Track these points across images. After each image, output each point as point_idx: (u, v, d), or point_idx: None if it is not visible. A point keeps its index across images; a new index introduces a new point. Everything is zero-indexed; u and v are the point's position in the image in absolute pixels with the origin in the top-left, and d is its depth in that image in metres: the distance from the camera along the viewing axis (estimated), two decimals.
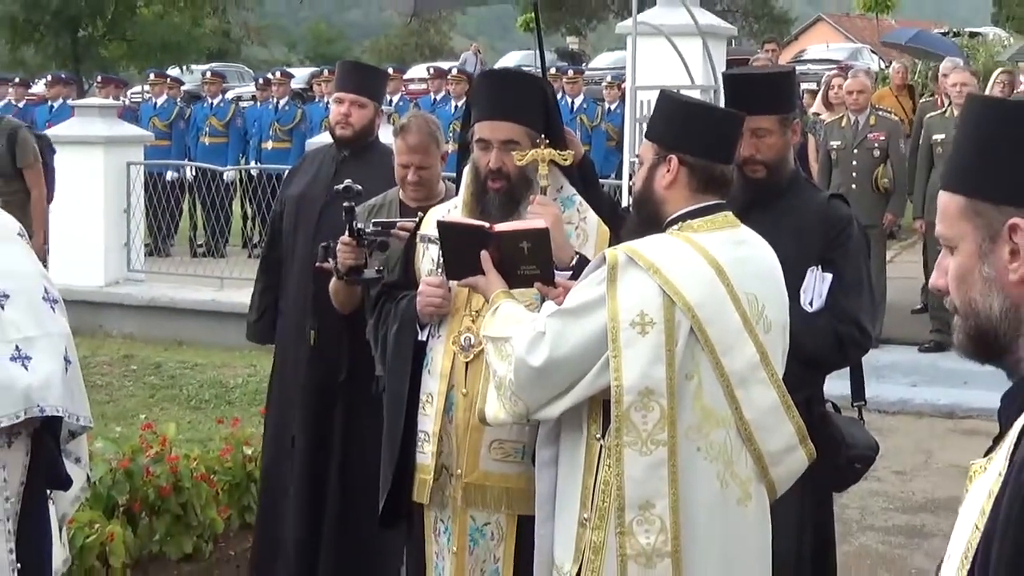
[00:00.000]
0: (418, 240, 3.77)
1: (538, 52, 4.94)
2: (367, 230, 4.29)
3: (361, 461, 4.62)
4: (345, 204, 4.31)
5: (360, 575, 4.92)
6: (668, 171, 3.17)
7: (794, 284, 3.55)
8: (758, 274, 3.17)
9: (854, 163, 9.81)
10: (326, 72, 16.14)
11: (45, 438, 3.58)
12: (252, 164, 14.21)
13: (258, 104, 15.74)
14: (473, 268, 3.37)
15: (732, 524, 3.09)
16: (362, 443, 4.64)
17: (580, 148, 3.92)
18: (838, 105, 11.18)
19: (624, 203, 5.63)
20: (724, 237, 3.15)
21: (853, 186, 9.53)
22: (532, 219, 3.43)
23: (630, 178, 8.80)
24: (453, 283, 3.53)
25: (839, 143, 9.90)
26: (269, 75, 16.25)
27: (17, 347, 3.48)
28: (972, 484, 1.74)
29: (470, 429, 3.52)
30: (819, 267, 3.87)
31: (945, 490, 7.02)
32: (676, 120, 3.23)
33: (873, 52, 28.34)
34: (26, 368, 3.47)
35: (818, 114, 11.94)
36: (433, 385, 3.59)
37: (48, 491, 3.72)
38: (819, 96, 12.85)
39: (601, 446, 3.09)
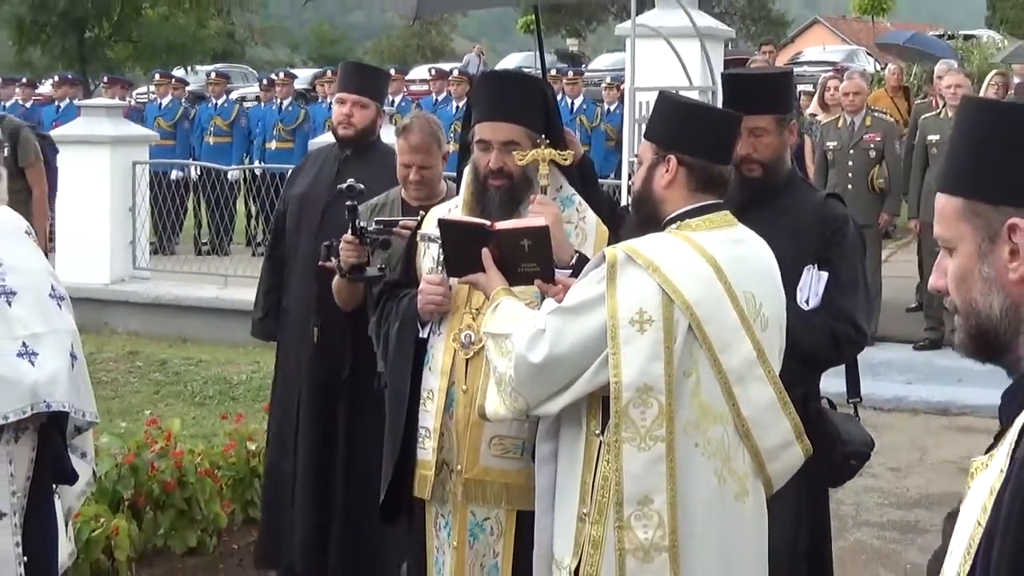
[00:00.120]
0: (419, 239, 3.77)
1: (538, 54, 4.93)
2: (369, 229, 4.29)
3: (364, 456, 4.62)
4: (348, 203, 4.31)
5: (365, 569, 4.92)
6: (667, 171, 3.17)
7: (791, 282, 3.55)
8: (755, 272, 3.17)
9: (850, 163, 9.81)
10: (329, 73, 16.14)
11: (51, 433, 3.58)
12: (256, 163, 14.20)
13: (262, 104, 15.73)
14: (474, 265, 3.37)
15: (729, 519, 3.09)
16: (365, 439, 4.65)
17: (580, 148, 3.92)
18: (834, 106, 11.18)
19: (623, 203, 5.63)
20: (722, 236, 3.15)
21: (849, 186, 9.53)
22: (532, 218, 3.43)
23: (629, 178, 8.81)
24: (454, 280, 3.53)
25: (835, 144, 9.90)
26: (273, 76, 16.23)
27: (24, 343, 3.48)
28: (974, 481, 1.74)
29: (470, 425, 3.52)
30: (815, 266, 3.87)
31: (939, 486, 7.02)
32: (675, 121, 3.23)
33: (869, 54, 28.34)
34: (33, 364, 3.47)
35: (814, 115, 11.94)
36: (434, 382, 3.59)
37: (54, 485, 3.72)
38: (815, 97, 12.85)
39: (600, 442, 3.09)
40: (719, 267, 3.08)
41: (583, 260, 3.37)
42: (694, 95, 8.41)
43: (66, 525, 3.93)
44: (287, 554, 5.21)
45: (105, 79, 17.44)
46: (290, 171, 6.15)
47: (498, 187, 3.56)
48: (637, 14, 9.67)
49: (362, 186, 4.41)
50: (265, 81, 16.17)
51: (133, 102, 16.94)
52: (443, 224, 3.47)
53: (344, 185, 4.41)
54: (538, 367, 3.05)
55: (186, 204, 13.84)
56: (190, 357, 9.90)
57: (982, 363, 1.84)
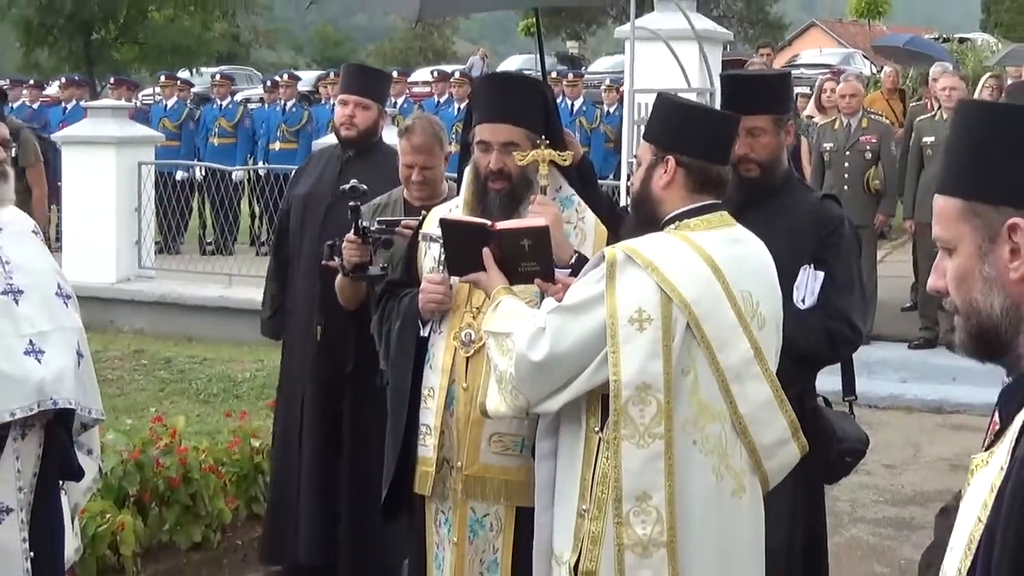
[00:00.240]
0: (420, 238, 3.77)
1: (539, 56, 4.93)
2: (372, 228, 4.29)
3: (368, 453, 4.62)
4: (351, 203, 4.31)
5: (370, 564, 4.93)
6: (665, 171, 3.17)
7: (787, 282, 3.55)
8: (753, 272, 3.17)
9: (846, 165, 9.81)
10: (332, 75, 16.13)
11: (58, 430, 3.58)
12: (260, 164, 14.20)
13: (266, 106, 15.73)
14: (475, 265, 3.37)
15: (727, 515, 3.09)
16: (369, 435, 4.65)
17: (579, 149, 3.92)
18: (831, 108, 11.18)
19: (623, 203, 5.63)
20: (720, 236, 3.15)
21: (845, 187, 9.53)
22: (533, 218, 3.43)
23: (628, 179, 8.80)
24: (455, 280, 3.53)
25: (832, 145, 9.89)
26: (277, 78, 16.23)
27: (31, 341, 3.48)
28: (973, 478, 1.75)
29: (471, 423, 3.52)
30: (812, 266, 3.86)
31: (933, 483, 7.02)
32: (673, 122, 3.23)
33: (865, 57, 28.32)
34: (39, 362, 3.47)
35: (811, 117, 11.94)
36: (435, 380, 3.59)
37: (61, 482, 3.72)
38: (812, 99, 12.85)
39: (600, 439, 3.09)
40: (717, 267, 3.08)
41: (582, 260, 3.37)
42: (692, 97, 8.41)
43: (72, 521, 3.93)
44: (292, 550, 5.21)
45: (111, 81, 17.42)
46: (294, 171, 6.15)
47: (498, 188, 3.56)
48: (636, 17, 9.67)
49: (365, 186, 4.41)
50: (269, 83, 16.16)
51: (139, 103, 16.92)
52: (444, 224, 3.47)
53: (347, 185, 4.41)
54: (538, 365, 3.05)
55: (191, 204, 13.84)
56: (195, 355, 9.91)
57: (982, 362, 1.83)
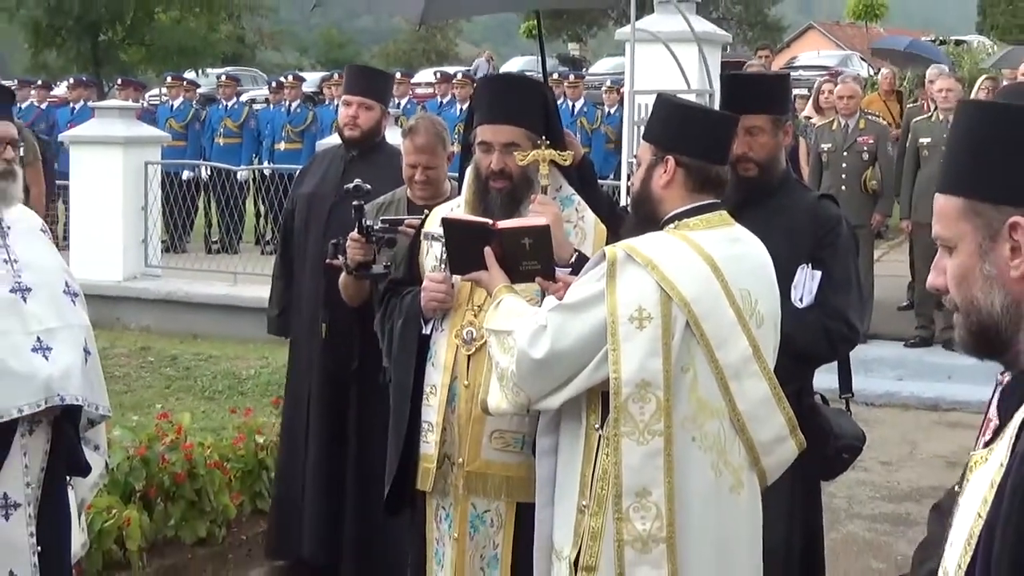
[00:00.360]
0: (422, 238, 3.77)
1: (540, 58, 4.93)
2: (375, 227, 4.29)
3: (374, 449, 4.63)
4: (354, 202, 4.31)
5: (376, 559, 4.93)
6: (665, 171, 3.16)
7: (785, 281, 3.54)
8: (751, 271, 3.17)
9: (844, 165, 9.80)
10: (336, 76, 16.13)
11: (65, 426, 3.58)
12: (265, 164, 14.21)
13: (271, 106, 15.74)
14: (477, 263, 3.37)
15: (725, 511, 3.09)
16: (374, 431, 4.65)
17: (579, 149, 3.92)
18: (828, 109, 11.17)
19: (623, 203, 5.62)
20: (719, 235, 3.14)
21: (843, 187, 9.52)
22: (534, 217, 3.43)
23: (628, 178, 8.80)
24: (457, 278, 3.52)
25: (829, 146, 9.89)
26: (282, 79, 16.24)
27: (39, 338, 3.49)
28: (972, 474, 1.74)
29: (472, 420, 3.52)
30: (809, 265, 3.86)
31: (929, 480, 7.02)
32: (673, 122, 3.22)
33: (862, 59, 28.30)
34: (47, 359, 3.47)
35: (809, 118, 11.93)
36: (436, 377, 3.59)
37: (68, 477, 3.72)
38: (810, 101, 12.84)
39: (600, 436, 3.09)
40: (716, 265, 3.07)
41: (582, 258, 3.37)
42: (692, 98, 8.40)
43: (79, 516, 3.94)
44: (296, 546, 5.21)
45: (119, 81, 17.43)
46: (298, 171, 6.15)
47: (499, 188, 3.56)
48: (636, 19, 9.67)
49: (368, 186, 4.41)
50: (274, 84, 16.17)
51: (146, 104, 16.93)
52: (447, 223, 3.46)
53: (351, 185, 4.41)
54: (539, 363, 3.05)
55: (197, 203, 13.84)
56: (200, 352, 9.91)
57: (981, 360, 1.82)
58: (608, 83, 15.81)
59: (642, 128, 3.57)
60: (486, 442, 3.53)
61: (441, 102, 15.86)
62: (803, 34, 48.06)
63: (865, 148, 9.78)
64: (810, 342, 3.78)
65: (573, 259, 3.42)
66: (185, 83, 15.99)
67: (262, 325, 5.83)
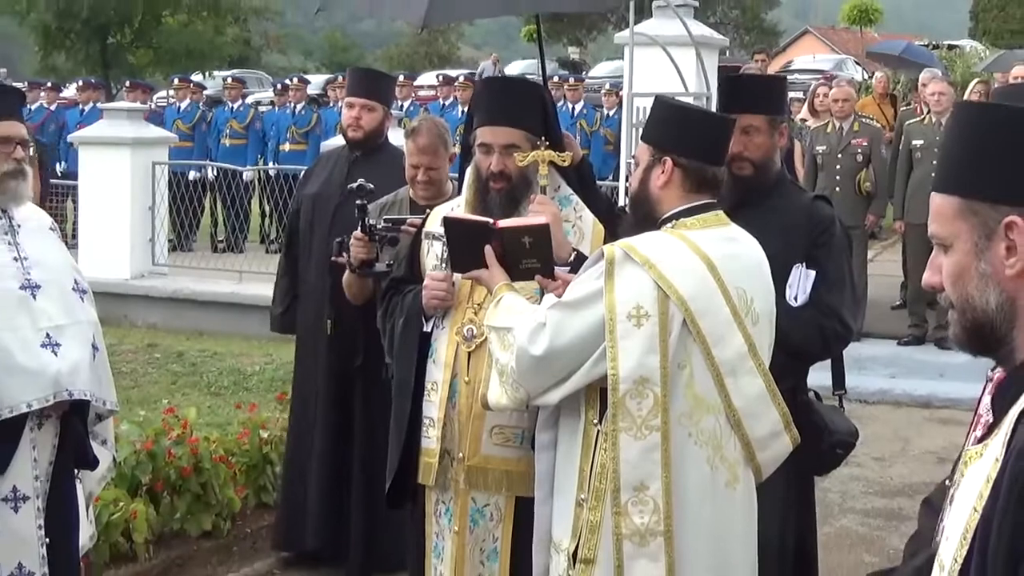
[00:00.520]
0: (423, 237, 3.77)
1: (540, 61, 4.93)
2: (378, 226, 4.29)
3: (379, 443, 4.63)
4: (358, 202, 4.32)
5: (379, 553, 4.93)
6: (663, 172, 3.17)
7: (780, 280, 3.54)
8: (747, 269, 3.17)
9: (838, 167, 9.80)
10: (340, 78, 16.13)
11: (73, 421, 3.59)
12: (270, 165, 14.20)
13: (276, 108, 15.73)
14: (477, 262, 3.37)
15: (721, 505, 3.09)
16: (379, 425, 4.65)
17: (578, 150, 3.92)
18: (823, 112, 11.16)
19: (621, 203, 5.62)
20: (716, 234, 3.15)
21: (837, 189, 9.52)
22: (533, 216, 3.43)
23: (627, 179, 8.80)
24: (457, 276, 3.53)
25: (824, 148, 9.89)
26: (287, 81, 16.23)
27: (48, 334, 3.49)
28: (967, 469, 1.74)
29: (472, 415, 3.52)
30: (804, 264, 3.86)
31: (921, 475, 7.02)
32: (670, 124, 3.22)
33: (857, 63, 28.28)
34: (56, 354, 3.48)
35: (804, 120, 11.92)
36: (437, 374, 3.59)
37: (76, 471, 3.72)
38: (806, 104, 12.83)
39: (598, 431, 3.09)
40: (712, 264, 3.07)
41: (581, 257, 3.37)
42: (689, 100, 8.39)
43: (87, 508, 3.94)
44: (302, 538, 5.22)
45: (127, 83, 17.46)
46: (303, 172, 6.15)
47: (499, 188, 3.56)
48: (635, 24, 9.67)
49: (372, 186, 4.42)
50: (279, 86, 16.16)
51: (153, 105, 16.92)
52: (448, 222, 3.47)
53: (355, 185, 4.41)
54: (539, 359, 3.05)
55: (203, 203, 13.84)
56: (206, 349, 9.91)
57: (975, 356, 1.82)
58: (607, 86, 15.82)
59: (640, 130, 3.57)
60: (486, 437, 3.53)
61: (443, 104, 15.88)
62: (799, 38, 48.05)
63: (859, 150, 9.78)
64: (805, 340, 3.77)
65: (572, 258, 3.42)
66: (192, 85, 15.99)
67: (266, 322, 5.83)
